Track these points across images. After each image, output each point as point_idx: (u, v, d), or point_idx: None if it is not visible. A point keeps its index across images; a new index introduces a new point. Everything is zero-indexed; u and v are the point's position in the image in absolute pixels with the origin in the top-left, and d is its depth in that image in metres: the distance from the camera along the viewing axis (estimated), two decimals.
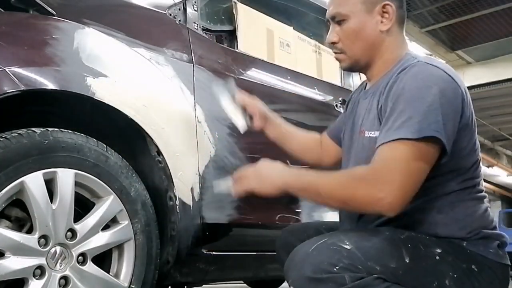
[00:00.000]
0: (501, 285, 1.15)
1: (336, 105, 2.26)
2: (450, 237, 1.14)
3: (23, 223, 1.26)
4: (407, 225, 1.15)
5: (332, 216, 2.01)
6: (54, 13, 1.37)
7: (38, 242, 1.23)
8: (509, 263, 1.17)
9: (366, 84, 1.36)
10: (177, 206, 1.52)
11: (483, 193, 1.20)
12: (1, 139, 1.19)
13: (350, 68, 1.33)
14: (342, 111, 2.26)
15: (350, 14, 1.25)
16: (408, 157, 1.05)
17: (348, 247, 1.03)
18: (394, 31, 1.26)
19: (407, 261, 1.06)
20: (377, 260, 1.04)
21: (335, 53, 1.31)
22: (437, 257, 1.09)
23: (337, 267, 1.00)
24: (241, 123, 1.48)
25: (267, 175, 1.19)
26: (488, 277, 1.13)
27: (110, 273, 1.39)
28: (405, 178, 1.04)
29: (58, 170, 1.27)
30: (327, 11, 1.30)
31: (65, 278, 1.28)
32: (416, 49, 7.53)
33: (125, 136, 1.51)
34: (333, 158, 1.56)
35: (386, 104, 1.15)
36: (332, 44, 1.30)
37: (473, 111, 1.18)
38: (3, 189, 1.18)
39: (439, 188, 1.15)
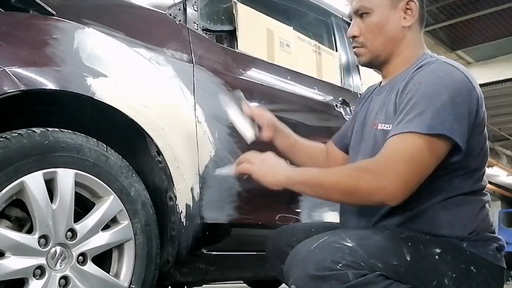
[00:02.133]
0: (497, 287, 1.16)
1: (336, 105, 2.25)
2: (451, 236, 1.15)
3: (23, 223, 1.26)
4: (411, 221, 1.16)
5: (332, 216, 2.01)
6: (54, 13, 1.37)
7: (38, 242, 1.23)
8: (505, 266, 1.18)
9: (381, 82, 1.38)
10: (177, 206, 1.52)
11: (487, 197, 1.22)
12: (1, 139, 1.19)
13: (369, 63, 1.33)
14: (342, 111, 2.26)
15: (374, 8, 1.27)
16: (415, 149, 1.07)
17: (350, 244, 1.04)
18: (415, 29, 1.28)
19: (408, 259, 1.06)
20: (379, 257, 1.04)
21: (355, 47, 1.32)
22: (437, 257, 1.10)
23: (340, 264, 1.00)
24: (249, 134, 1.45)
25: (272, 167, 1.21)
26: (485, 278, 1.14)
27: (110, 273, 1.39)
28: (410, 169, 1.06)
29: (58, 170, 1.27)
30: (351, 5, 1.31)
31: (65, 278, 1.28)
32: None
33: (125, 136, 1.51)
34: (339, 166, 1.53)
35: (401, 98, 1.17)
36: (353, 38, 1.31)
37: (485, 114, 1.19)
38: (3, 189, 1.18)
39: (447, 188, 1.15)
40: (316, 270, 1.00)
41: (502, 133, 11.80)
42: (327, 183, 1.12)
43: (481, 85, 8.28)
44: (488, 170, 12.65)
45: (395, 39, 1.27)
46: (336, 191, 1.11)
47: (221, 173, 1.34)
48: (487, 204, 1.21)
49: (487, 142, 1.21)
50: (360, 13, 1.29)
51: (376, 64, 1.33)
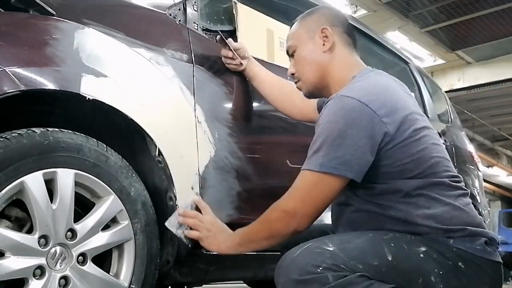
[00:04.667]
0: (492, 282, 1.16)
1: None
2: (432, 232, 1.16)
3: (23, 223, 1.26)
4: (391, 224, 1.20)
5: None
6: (54, 13, 1.37)
7: (38, 242, 1.23)
8: (500, 260, 1.18)
9: None
10: (177, 206, 1.51)
11: (458, 191, 1.22)
12: (1, 139, 1.18)
13: (311, 94, 1.45)
14: None
15: (297, 44, 1.43)
16: (310, 186, 1.20)
17: (331, 248, 1.09)
18: (339, 52, 1.38)
19: (390, 259, 1.10)
20: (359, 259, 1.08)
21: (296, 83, 1.47)
22: (421, 255, 1.12)
23: (320, 268, 1.06)
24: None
25: (217, 235, 1.38)
26: (476, 273, 1.14)
27: (110, 273, 1.39)
28: (307, 204, 1.20)
29: (58, 170, 1.27)
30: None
31: (65, 278, 1.28)
32: (416, 49, 7.54)
33: (125, 136, 1.51)
34: (304, 117, 1.74)
35: None
36: (292, 76, 1.47)
37: (414, 122, 1.22)
38: (3, 189, 1.18)
39: (404, 190, 1.19)
40: (299, 275, 1.07)
41: (502, 133, 11.81)
42: (253, 236, 1.29)
43: (481, 85, 8.33)
44: (488, 170, 12.69)
45: (321, 64, 1.38)
46: (262, 239, 1.27)
47: (172, 230, 1.45)
48: (464, 198, 1.22)
49: (429, 146, 1.22)
50: (291, 53, 1.46)
51: (317, 92, 1.44)
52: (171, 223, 1.44)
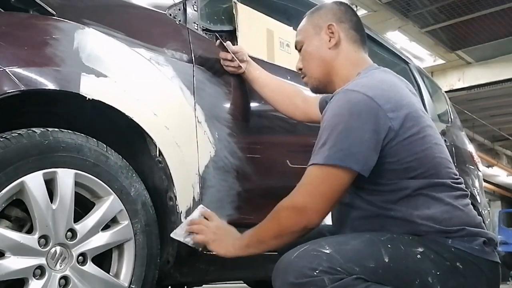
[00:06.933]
0: (490, 282, 1.16)
1: None
2: (431, 232, 1.16)
3: (23, 223, 1.26)
4: (389, 224, 1.20)
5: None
6: (54, 13, 1.37)
7: (38, 242, 1.23)
8: (498, 260, 1.18)
9: None
10: (177, 206, 1.51)
11: (459, 192, 1.22)
12: (1, 139, 1.19)
13: (316, 89, 1.47)
14: None
15: (304, 39, 1.46)
16: (318, 181, 1.18)
17: (327, 251, 1.09)
18: (345, 49, 1.39)
19: (386, 260, 1.10)
20: (355, 261, 1.08)
21: (302, 78, 1.49)
22: (418, 256, 1.12)
23: (317, 271, 1.06)
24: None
25: (224, 238, 1.36)
26: (474, 273, 1.14)
27: (110, 273, 1.39)
28: (315, 200, 1.18)
29: (58, 170, 1.27)
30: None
31: (65, 278, 1.28)
32: (416, 49, 7.54)
33: (125, 136, 1.51)
34: (307, 117, 1.76)
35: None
36: (299, 71, 1.49)
37: (418, 121, 1.22)
38: (3, 189, 1.18)
39: (407, 190, 1.19)
40: (295, 278, 1.07)
41: (502, 133, 11.82)
42: (262, 235, 1.25)
43: (481, 85, 8.34)
44: (488, 170, 12.69)
45: (326, 60, 1.40)
46: (271, 238, 1.24)
47: (177, 236, 1.43)
48: (463, 199, 1.22)
49: (433, 145, 1.22)
50: (299, 48, 1.48)
51: (322, 88, 1.45)
52: (177, 234, 1.42)
